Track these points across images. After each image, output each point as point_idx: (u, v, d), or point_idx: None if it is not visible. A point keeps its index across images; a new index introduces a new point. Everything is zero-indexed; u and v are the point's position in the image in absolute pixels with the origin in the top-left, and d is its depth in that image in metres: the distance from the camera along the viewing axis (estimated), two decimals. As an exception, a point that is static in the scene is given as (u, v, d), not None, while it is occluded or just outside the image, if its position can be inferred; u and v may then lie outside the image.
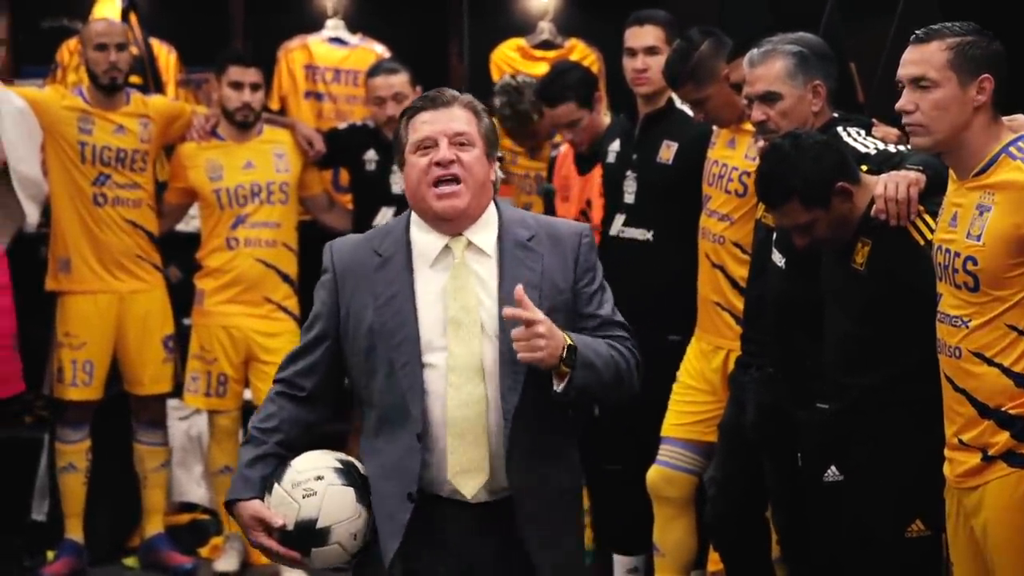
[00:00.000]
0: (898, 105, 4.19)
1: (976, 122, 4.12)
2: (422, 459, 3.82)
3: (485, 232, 3.92)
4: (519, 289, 3.73)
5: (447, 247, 3.90)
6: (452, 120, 3.88)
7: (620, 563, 6.30)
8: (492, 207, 3.96)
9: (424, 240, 3.92)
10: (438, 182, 3.85)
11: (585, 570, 4.06)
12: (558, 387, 3.78)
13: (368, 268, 3.92)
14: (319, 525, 3.82)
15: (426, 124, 3.89)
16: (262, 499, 3.89)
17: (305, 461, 3.91)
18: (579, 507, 4.08)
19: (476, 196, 3.88)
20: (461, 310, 3.84)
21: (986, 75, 4.12)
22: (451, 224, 3.89)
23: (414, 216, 3.95)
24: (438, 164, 3.86)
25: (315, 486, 3.84)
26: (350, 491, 3.85)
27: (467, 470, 3.83)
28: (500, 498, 3.86)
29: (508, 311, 3.73)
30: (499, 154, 4.00)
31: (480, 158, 3.88)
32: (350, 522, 3.84)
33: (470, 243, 3.90)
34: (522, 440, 3.82)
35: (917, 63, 4.15)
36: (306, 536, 3.83)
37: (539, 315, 3.72)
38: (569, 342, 3.75)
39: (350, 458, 3.95)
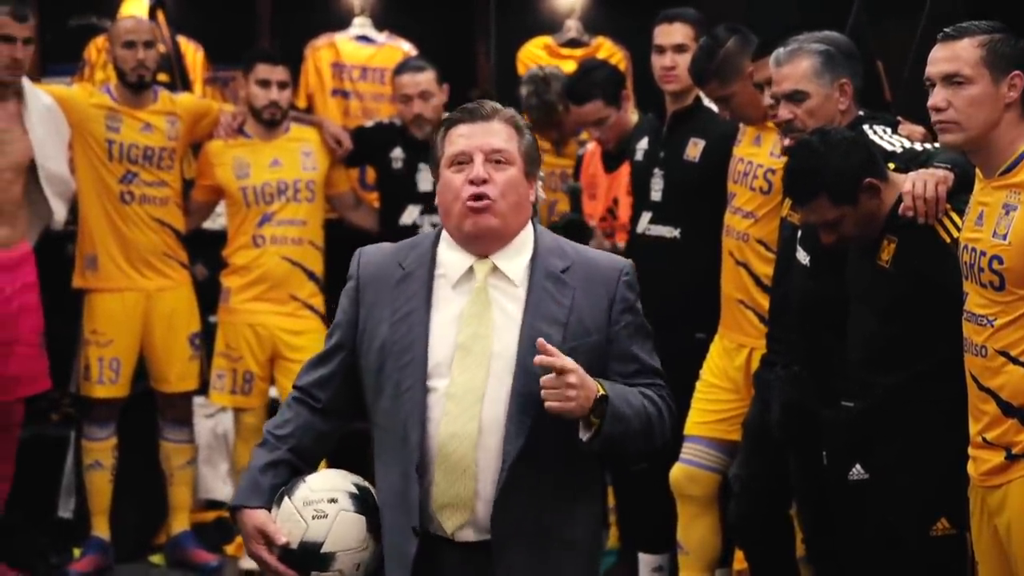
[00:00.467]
0: (931, 102, 4.18)
1: (1005, 119, 4.12)
2: (420, 490, 3.62)
3: (516, 257, 3.67)
4: (541, 341, 3.49)
5: (471, 269, 3.68)
6: (490, 135, 3.65)
7: (645, 561, 6.29)
8: (529, 231, 3.71)
9: (450, 258, 3.70)
10: (470, 200, 3.62)
11: None
12: (584, 436, 3.55)
13: (390, 281, 3.73)
14: (324, 549, 3.67)
15: (462, 138, 3.68)
16: (269, 509, 3.74)
17: (321, 480, 3.78)
18: (587, 563, 3.74)
19: (509, 217, 3.63)
20: (472, 337, 3.62)
21: (1016, 72, 4.12)
22: (480, 245, 3.66)
23: (444, 232, 3.74)
24: (471, 182, 3.63)
25: (327, 508, 3.70)
26: (361, 520, 3.71)
27: (450, 504, 3.61)
28: (486, 540, 3.62)
29: (539, 359, 3.47)
30: (540, 173, 3.74)
31: (517, 177, 3.64)
32: (356, 552, 3.69)
33: (495, 268, 3.67)
34: (520, 485, 3.57)
35: (950, 60, 4.14)
36: (309, 558, 3.68)
37: (570, 363, 3.48)
38: (601, 392, 3.53)
39: (367, 484, 3.81)
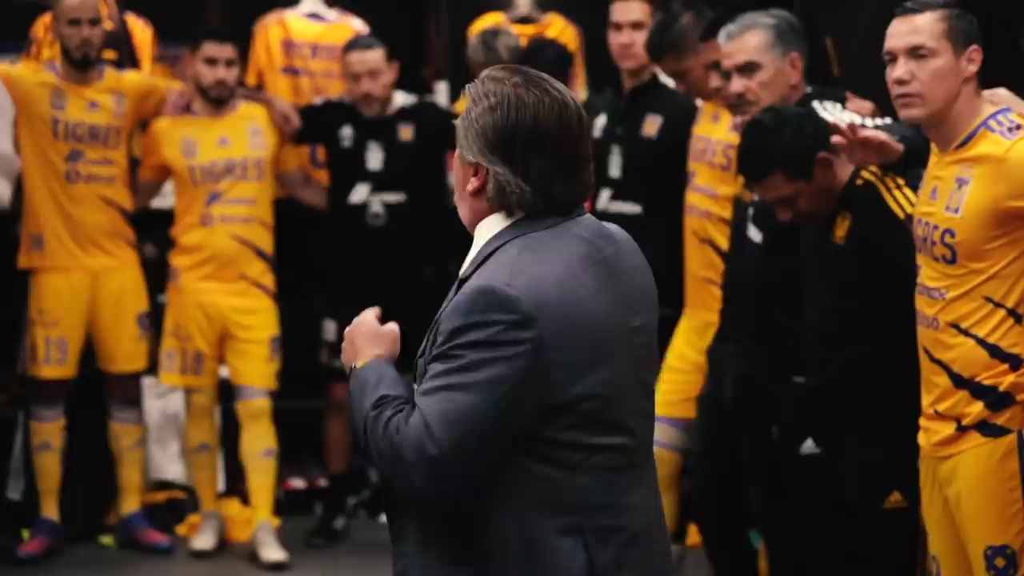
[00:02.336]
0: (895, 75, 4.20)
1: (963, 93, 4.17)
2: None
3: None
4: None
5: None
6: None
7: None
8: (483, 234, 3.10)
9: None
10: None
11: None
12: None
13: None
14: None
15: None
16: None
17: None
18: None
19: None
20: None
21: (975, 47, 4.15)
22: None
23: None
24: None
25: None
26: None
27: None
28: None
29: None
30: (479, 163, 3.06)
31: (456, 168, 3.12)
32: None
33: None
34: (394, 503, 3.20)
35: (913, 32, 4.17)
36: None
37: (363, 315, 3.16)
38: (357, 362, 3.09)
39: None
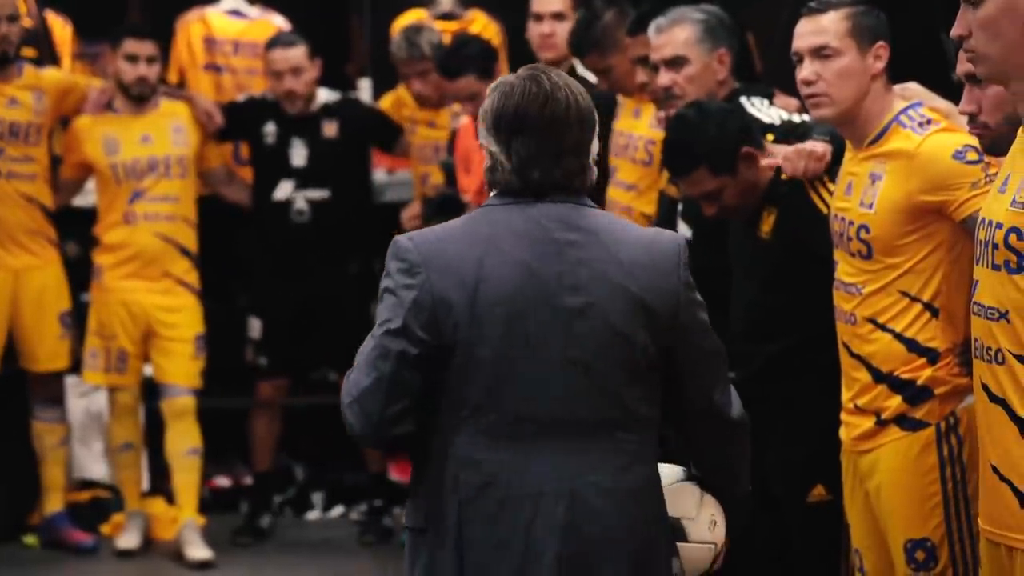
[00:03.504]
0: (801, 76, 4.25)
1: (872, 90, 4.21)
2: None
3: None
4: None
5: None
6: None
7: None
8: None
9: None
10: None
11: None
12: None
13: None
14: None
15: None
16: None
17: None
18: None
19: None
20: None
21: (881, 43, 4.19)
22: None
23: None
24: None
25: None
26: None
27: None
28: None
29: None
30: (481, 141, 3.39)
31: None
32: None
33: None
34: None
35: (817, 33, 4.21)
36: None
37: None
38: None
39: None
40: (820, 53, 4.21)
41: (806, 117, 4.87)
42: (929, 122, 4.16)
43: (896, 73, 4.29)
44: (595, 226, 3.29)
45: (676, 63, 5.10)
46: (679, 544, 3.36)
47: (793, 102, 5.11)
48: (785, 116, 4.97)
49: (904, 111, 4.19)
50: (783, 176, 4.57)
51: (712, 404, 3.35)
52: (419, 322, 3.19)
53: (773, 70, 5.91)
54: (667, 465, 3.41)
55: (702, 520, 3.40)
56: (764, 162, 4.59)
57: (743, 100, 5.04)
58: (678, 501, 3.38)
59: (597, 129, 3.39)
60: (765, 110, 5.02)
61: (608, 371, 3.24)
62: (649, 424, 3.29)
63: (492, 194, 3.31)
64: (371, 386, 3.21)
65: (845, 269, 4.23)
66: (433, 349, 3.19)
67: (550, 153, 3.26)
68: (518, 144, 3.26)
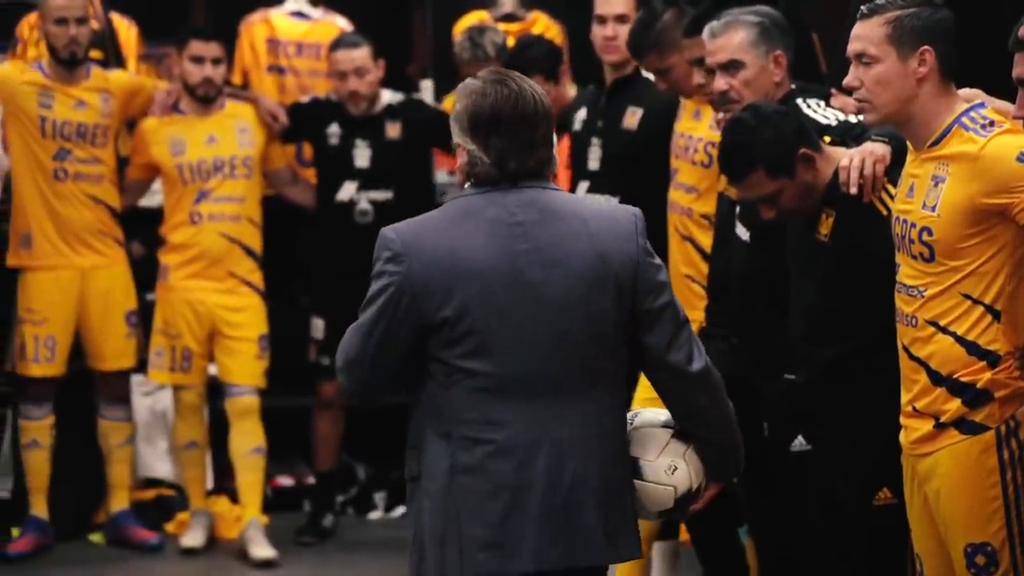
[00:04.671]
0: (844, 81, 4.25)
1: (924, 94, 4.15)
2: None
3: None
4: None
5: None
6: None
7: None
8: None
9: None
10: None
11: None
12: None
13: None
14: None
15: None
16: None
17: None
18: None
19: None
20: None
21: (926, 47, 4.14)
22: None
23: None
24: None
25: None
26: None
27: None
28: None
29: None
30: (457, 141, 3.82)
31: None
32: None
33: None
34: None
35: (859, 39, 4.20)
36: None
37: None
38: None
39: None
40: (861, 59, 4.19)
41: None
42: (992, 124, 4.11)
43: (963, 71, 4.25)
44: (561, 205, 3.74)
45: (732, 67, 5.08)
46: (635, 481, 3.80)
47: (851, 102, 5.06)
48: (842, 117, 4.94)
49: (966, 112, 4.14)
50: (843, 175, 4.54)
51: (669, 358, 3.75)
52: (405, 304, 3.65)
53: (840, 70, 5.88)
54: (653, 410, 3.89)
55: (660, 463, 3.81)
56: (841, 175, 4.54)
57: (799, 101, 5.02)
58: (642, 443, 3.82)
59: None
60: (822, 111, 4.99)
61: (577, 335, 3.68)
62: (616, 378, 3.76)
63: (468, 184, 3.75)
64: (359, 357, 3.70)
65: (907, 271, 4.20)
66: (419, 327, 3.65)
67: (524, 146, 3.72)
68: (495, 140, 3.71)
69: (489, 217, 3.70)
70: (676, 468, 3.81)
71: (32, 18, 7.58)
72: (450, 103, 7.75)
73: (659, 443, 3.82)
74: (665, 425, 3.84)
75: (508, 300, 3.66)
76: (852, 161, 4.51)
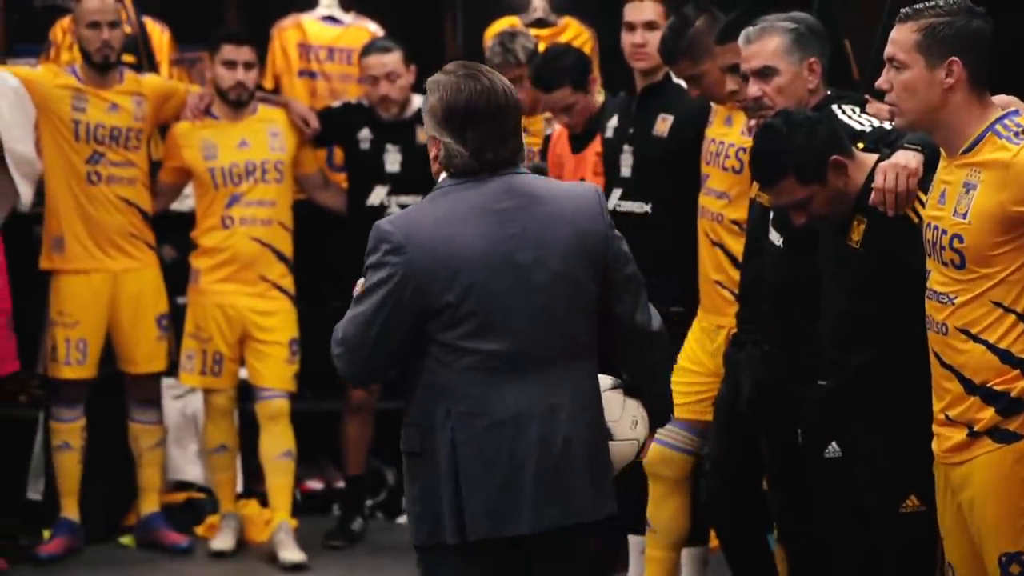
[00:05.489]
0: (876, 83, 4.25)
1: (952, 103, 4.13)
2: None
3: None
4: None
5: None
6: None
7: (635, 543, 6.26)
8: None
9: None
10: None
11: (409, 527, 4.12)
12: None
13: None
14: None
15: None
16: None
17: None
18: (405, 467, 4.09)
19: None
20: None
21: (954, 58, 4.12)
22: None
23: None
24: None
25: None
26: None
27: None
28: None
29: None
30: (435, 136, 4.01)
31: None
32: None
33: None
34: None
35: (892, 43, 4.20)
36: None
37: None
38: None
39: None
40: (892, 63, 4.19)
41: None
42: None
43: (998, 75, 4.23)
44: (538, 189, 4.00)
45: (766, 73, 5.07)
46: (609, 442, 4.11)
47: (886, 109, 5.06)
48: (877, 123, 4.93)
49: (1000, 120, 4.12)
50: (875, 195, 4.52)
51: (637, 322, 4.09)
52: (408, 292, 3.87)
53: (872, 76, 5.87)
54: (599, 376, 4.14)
55: (624, 421, 4.14)
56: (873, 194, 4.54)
57: (834, 108, 5.01)
58: (606, 407, 4.10)
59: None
60: (856, 117, 4.98)
61: (563, 311, 3.96)
62: (591, 348, 4.04)
63: (446, 176, 3.98)
64: (361, 344, 3.92)
65: (937, 278, 4.18)
66: (420, 312, 3.88)
67: (499, 137, 3.94)
68: (471, 133, 3.92)
69: (476, 205, 3.93)
70: (637, 422, 4.17)
71: (65, 22, 7.62)
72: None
73: (618, 403, 4.15)
74: (614, 387, 4.17)
75: (503, 282, 3.90)
76: (886, 180, 4.49)
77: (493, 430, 3.93)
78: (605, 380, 4.15)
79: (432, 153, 4.00)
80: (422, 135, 7.30)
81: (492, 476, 3.92)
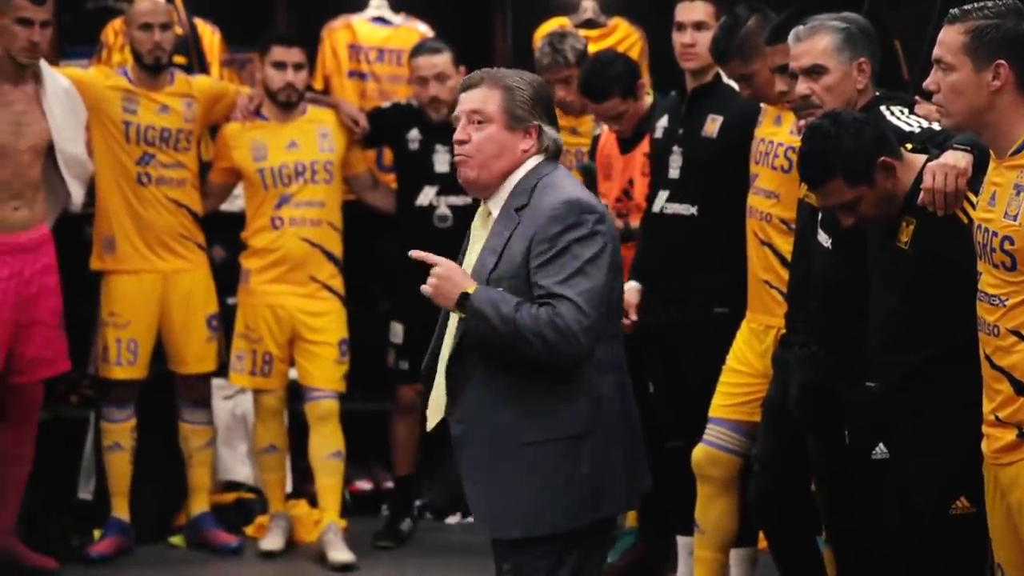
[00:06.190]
0: (924, 84, 4.23)
1: (1000, 105, 4.11)
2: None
3: (500, 199, 4.31)
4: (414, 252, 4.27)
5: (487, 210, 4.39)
6: (471, 100, 4.29)
7: (684, 544, 6.25)
8: (519, 173, 4.29)
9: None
10: (456, 157, 4.35)
11: (523, 520, 4.22)
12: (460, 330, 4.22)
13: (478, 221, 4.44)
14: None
15: (459, 104, 4.35)
16: None
17: None
18: (536, 457, 4.19)
19: (485, 168, 4.28)
20: (468, 267, 4.30)
21: (1001, 61, 4.10)
22: (473, 191, 4.37)
23: None
24: (456, 141, 4.32)
25: None
26: None
27: (433, 407, 4.36)
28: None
29: (413, 253, 4.26)
30: (535, 123, 4.30)
31: (495, 133, 4.26)
32: None
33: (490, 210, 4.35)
34: (459, 383, 4.25)
35: (940, 44, 4.18)
36: None
37: (439, 260, 4.20)
38: (467, 290, 4.14)
39: None
40: (939, 64, 4.17)
41: (946, 125, 4.81)
42: None
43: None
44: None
45: (815, 72, 5.06)
46: None
47: (935, 111, 5.03)
48: (925, 124, 4.90)
49: None
50: (924, 196, 4.50)
51: None
52: (616, 258, 4.20)
53: (922, 77, 5.84)
54: None
55: None
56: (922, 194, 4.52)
57: (883, 109, 4.98)
58: None
59: None
60: (905, 118, 4.95)
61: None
62: None
63: (542, 159, 4.29)
64: (597, 314, 4.11)
65: (988, 280, 4.16)
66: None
67: (556, 124, 4.34)
68: (552, 120, 4.31)
69: None
70: None
71: (117, 23, 7.66)
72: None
73: None
74: None
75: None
76: (935, 180, 4.47)
77: (609, 406, 4.22)
78: None
79: (524, 143, 4.26)
80: (471, 135, 7.31)
81: (629, 437, 4.29)
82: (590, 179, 6.94)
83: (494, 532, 4.28)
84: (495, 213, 4.30)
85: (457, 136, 4.30)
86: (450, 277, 4.17)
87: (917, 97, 5.13)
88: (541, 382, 4.17)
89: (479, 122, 4.27)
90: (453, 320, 4.26)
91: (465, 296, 4.14)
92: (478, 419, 4.22)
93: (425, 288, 4.18)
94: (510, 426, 4.18)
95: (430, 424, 4.37)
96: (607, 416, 4.20)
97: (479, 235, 4.34)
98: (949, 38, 4.16)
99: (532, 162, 4.28)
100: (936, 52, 4.18)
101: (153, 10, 7.01)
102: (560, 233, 4.12)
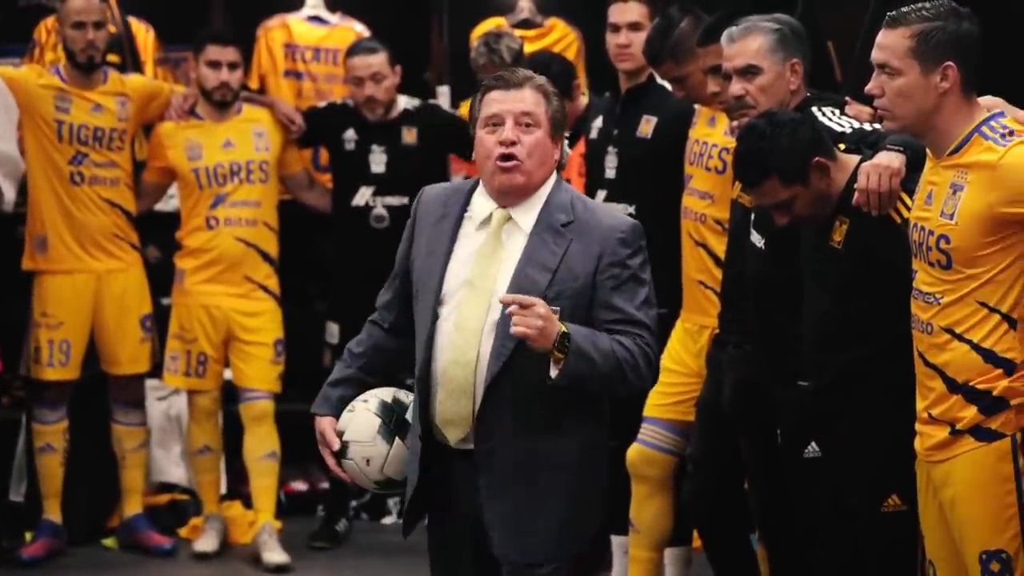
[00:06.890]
0: (867, 88, 4.24)
1: (945, 106, 4.14)
2: (422, 402, 4.15)
3: (532, 209, 4.14)
4: (505, 296, 3.98)
5: (491, 214, 4.15)
6: (519, 101, 4.11)
7: (618, 543, 6.26)
8: (548, 186, 4.16)
9: (479, 203, 4.19)
10: (500, 160, 4.09)
11: (562, 546, 4.18)
12: (552, 372, 3.97)
13: (432, 219, 4.21)
14: (343, 438, 4.23)
15: (495, 102, 4.13)
16: (336, 418, 4.28)
17: (372, 390, 4.30)
18: (572, 482, 4.13)
19: (535, 175, 4.11)
20: (479, 275, 4.09)
21: (949, 63, 4.12)
22: (507, 198, 4.13)
23: (482, 180, 4.22)
24: (502, 143, 4.08)
25: (355, 405, 4.25)
26: (376, 421, 4.20)
27: (451, 421, 4.10)
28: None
29: (502, 296, 3.98)
30: (566, 134, 4.23)
31: (543, 139, 4.11)
32: (364, 446, 4.19)
33: (510, 217, 4.14)
34: (503, 405, 4.05)
35: (882, 49, 4.19)
36: (340, 448, 4.23)
37: (536, 300, 3.94)
38: (564, 329, 3.94)
39: (408, 401, 4.24)
40: (884, 69, 4.18)
41: (878, 126, 4.83)
42: (1012, 133, 4.10)
43: (987, 78, 4.23)
44: None
45: (749, 72, 5.09)
46: None
47: (866, 110, 5.07)
48: (856, 124, 4.94)
49: (986, 122, 4.13)
50: (858, 196, 4.53)
51: None
52: None
53: (855, 79, 5.88)
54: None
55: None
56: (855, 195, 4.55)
57: (814, 109, 5.02)
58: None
59: None
60: (836, 119, 4.99)
61: None
62: None
63: (555, 175, 4.19)
64: (657, 348, 4.13)
65: (923, 278, 4.19)
66: None
67: None
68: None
69: None
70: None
71: (50, 22, 7.61)
72: (466, 109, 7.74)
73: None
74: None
75: None
76: (870, 181, 4.49)
77: None
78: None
79: (556, 154, 4.15)
80: (408, 136, 7.31)
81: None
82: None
83: (524, 557, 4.13)
84: (524, 225, 4.12)
85: (506, 136, 4.08)
86: (551, 317, 3.95)
87: (848, 98, 5.17)
88: (570, 404, 4.08)
89: (527, 125, 4.11)
90: (466, 334, 4.07)
91: (566, 336, 3.95)
92: (508, 441, 4.07)
93: (520, 330, 3.92)
94: (540, 449, 4.08)
95: (453, 439, 4.12)
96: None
97: (491, 242, 4.13)
98: (892, 42, 4.16)
99: (554, 175, 4.17)
100: (879, 57, 4.19)
101: (86, 8, 6.96)
102: (631, 256, 4.08)
